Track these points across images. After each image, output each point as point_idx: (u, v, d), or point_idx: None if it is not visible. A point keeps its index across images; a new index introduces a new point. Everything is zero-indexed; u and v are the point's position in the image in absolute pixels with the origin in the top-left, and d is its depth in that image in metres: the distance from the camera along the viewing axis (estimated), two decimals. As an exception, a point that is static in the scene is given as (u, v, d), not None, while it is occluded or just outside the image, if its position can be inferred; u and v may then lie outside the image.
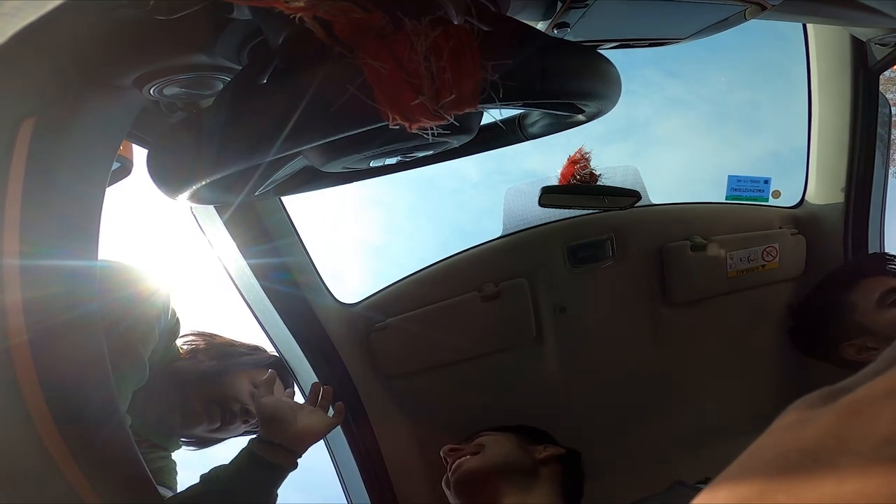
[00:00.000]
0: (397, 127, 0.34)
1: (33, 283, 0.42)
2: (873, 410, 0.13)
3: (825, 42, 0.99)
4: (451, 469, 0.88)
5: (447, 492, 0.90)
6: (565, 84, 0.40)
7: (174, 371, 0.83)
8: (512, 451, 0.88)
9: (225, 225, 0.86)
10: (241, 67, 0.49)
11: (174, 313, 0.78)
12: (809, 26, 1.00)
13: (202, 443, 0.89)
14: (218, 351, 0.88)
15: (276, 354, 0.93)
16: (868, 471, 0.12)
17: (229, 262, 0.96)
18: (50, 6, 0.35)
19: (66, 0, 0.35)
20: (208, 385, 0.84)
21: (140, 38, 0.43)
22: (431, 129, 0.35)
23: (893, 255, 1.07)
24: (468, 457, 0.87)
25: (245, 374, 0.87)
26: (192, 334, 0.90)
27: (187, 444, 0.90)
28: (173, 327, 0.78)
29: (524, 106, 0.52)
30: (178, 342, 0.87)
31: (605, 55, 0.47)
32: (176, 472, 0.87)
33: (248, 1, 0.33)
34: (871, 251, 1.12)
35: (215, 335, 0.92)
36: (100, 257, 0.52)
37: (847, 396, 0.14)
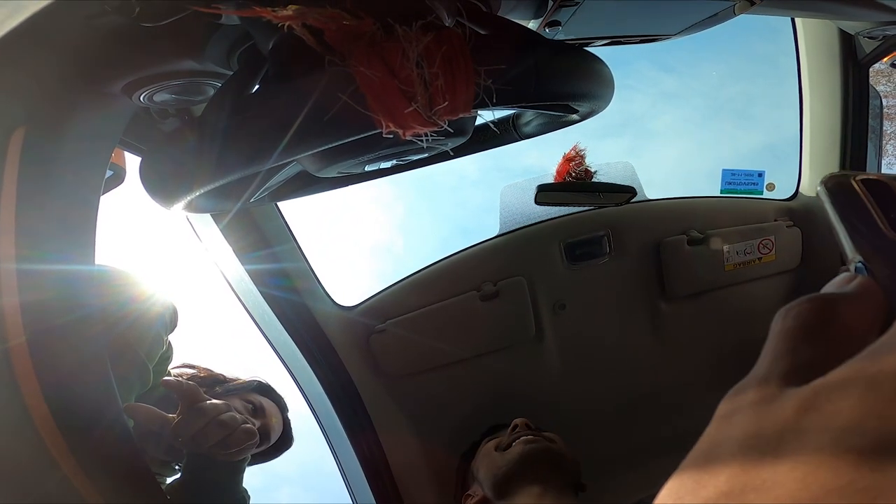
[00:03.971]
0: (391, 135, 0.34)
1: (30, 286, 0.43)
2: (830, 402, 0.13)
3: (814, 36, 1.00)
4: (523, 439, 0.89)
5: (492, 454, 0.90)
6: (559, 86, 0.40)
7: (171, 398, 0.84)
8: (576, 462, 0.91)
9: (221, 232, 0.86)
10: (231, 73, 0.49)
11: (170, 344, 0.78)
12: (798, 20, 1.01)
13: None
14: (209, 379, 0.89)
15: (258, 379, 0.94)
16: (832, 464, 0.12)
17: (227, 269, 0.95)
18: (27, 13, 0.35)
19: (48, 6, 0.35)
20: None
21: (127, 46, 0.43)
22: (426, 134, 0.35)
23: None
24: (547, 440, 0.90)
25: (237, 397, 0.88)
26: (182, 365, 0.91)
27: None
28: (166, 353, 0.78)
29: (518, 107, 0.51)
30: (172, 371, 0.87)
31: (598, 53, 0.47)
32: None
33: (235, 11, 0.32)
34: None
35: (200, 367, 0.92)
36: (97, 263, 0.52)
37: (803, 388, 0.14)
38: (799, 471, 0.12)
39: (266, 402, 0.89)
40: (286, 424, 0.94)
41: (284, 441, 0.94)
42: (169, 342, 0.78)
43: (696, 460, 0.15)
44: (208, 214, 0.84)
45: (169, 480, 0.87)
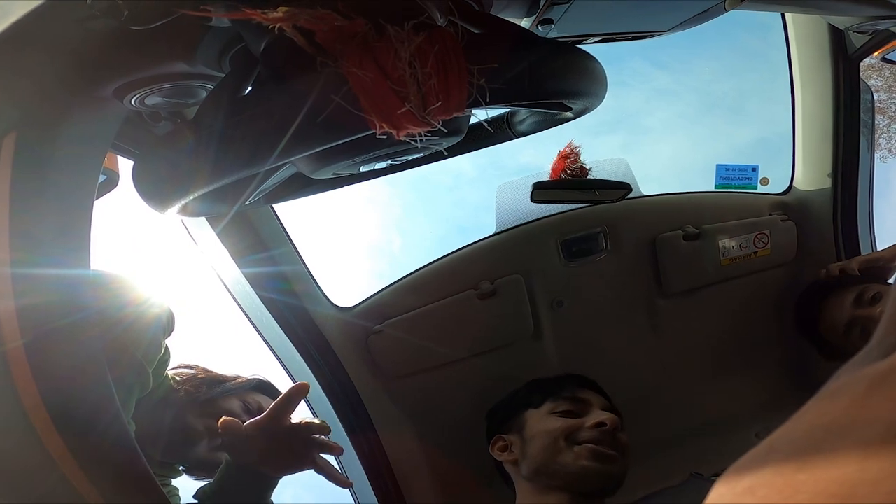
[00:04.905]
0: (385, 136, 0.34)
1: (26, 290, 0.43)
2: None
3: (804, 31, 1.00)
4: (600, 450, 0.81)
5: (559, 442, 0.82)
6: (553, 85, 0.40)
7: (170, 400, 0.84)
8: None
9: (217, 235, 0.86)
10: (223, 75, 0.49)
11: (167, 348, 0.78)
12: (788, 16, 1.01)
13: (204, 467, 0.89)
14: (208, 379, 0.89)
15: (258, 378, 0.94)
16: (893, 447, 0.11)
17: (223, 272, 0.95)
18: (16, 17, 0.34)
19: (37, 8, 0.35)
20: (205, 406, 0.86)
21: (118, 49, 0.43)
22: (420, 134, 0.35)
23: (845, 276, 1.07)
24: (620, 456, 0.83)
25: (235, 396, 0.88)
26: (180, 366, 0.91)
27: (189, 471, 0.90)
28: (164, 358, 0.78)
29: (512, 106, 0.52)
30: (169, 373, 0.87)
31: (590, 50, 0.47)
32: (179, 498, 0.87)
33: (224, 14, 0.32)
34: (860, 235, 1.14)
35: (199, 367, 0.93)
36: (92, 268, 0.52)
37: (873, 366, 0.14)
38: (859, 453, 0.12)
39: (265, 402, 0.89)
40: None
41: None
42: (166, 346, 0.78)
43: (762, 446, 0.15)
44: (203, 218, 0.84)
45: (174, 482, 0.88)
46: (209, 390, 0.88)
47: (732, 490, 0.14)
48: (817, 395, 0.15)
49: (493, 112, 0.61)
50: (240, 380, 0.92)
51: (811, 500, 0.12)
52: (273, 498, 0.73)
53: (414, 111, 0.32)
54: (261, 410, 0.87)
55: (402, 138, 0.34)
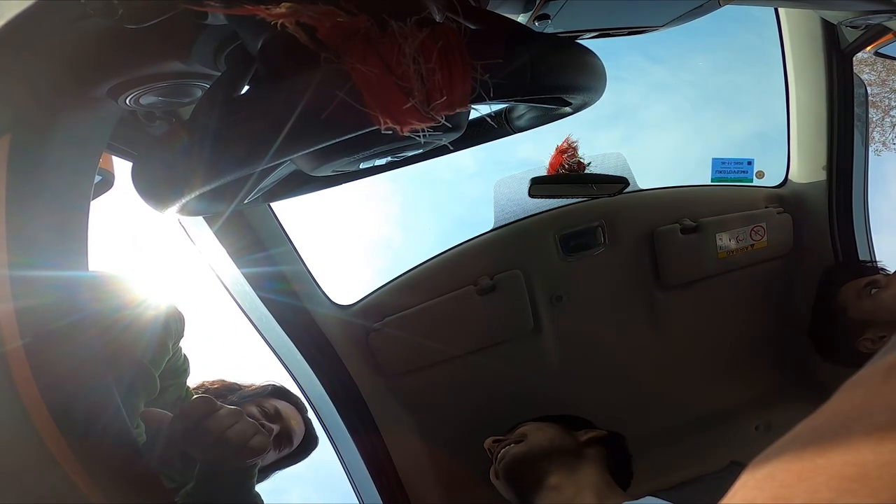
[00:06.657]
0: (389, 132, 0.34)
1: (24, 292, 0.43)
2: None
3: (797, 25, 1.01)
4: (497, 459, 0.91)
5: (497, 483, 0.92)
6: (554, 80, 0.40)
7: None
8: (555, 435, 0.91)
9: (215, 234, 0.85)
10: (219, 74, 0.48)
11: (185, 356, 0.78)
12: (781, 10, 1.02)
13: None
14: (224, 389, 0.91)
15: (273, 383, 0.95)
16: None
17: (222, 272, 0.95)
18: (8, 17, 0.34)
19: (29, 8, 0.34)
20: None
21: (112, 48, 0.42)
22: (422, 129, 0.35)
23: (860, 261, 1.13)
24: (512, 445, 0.91)
25: (252, 402, 0.90)
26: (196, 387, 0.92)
27: None
28: (182, 367, 0.78)
29: (512, 101, 0.52)
30: (190, 384, 0.88)
31: (588, 46, 0.47)
32: None
33: (229, 10, 0.32)
34: (855, 226, 1.15)
35: (211, 381, 0.93)
36: (90, 269, 0.52)
37: (890, 356, 0.15)
38: (874, 437, 0.13)
39: (282, 406, 0.90)
40: (307, 425, 0.95)
41: (309, 441, 0.95)
42: (182, 352, 0.78)
43: (787, 436, 0.16)
44: (201, 217, 0.83)
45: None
46: (225, 399, 0.88)
47: (755, 476, 0.15)
48: (841, 387, 0.16)
49: (493, 107, 0.61)
50: (255, 386, 0.93)
51: (827, 482, 0.13)
52: (279, 497, 0.73)
53: (418, 106, 0.32)
54: (278, 415, 0.88)
55: (406, 134, 0.34)
